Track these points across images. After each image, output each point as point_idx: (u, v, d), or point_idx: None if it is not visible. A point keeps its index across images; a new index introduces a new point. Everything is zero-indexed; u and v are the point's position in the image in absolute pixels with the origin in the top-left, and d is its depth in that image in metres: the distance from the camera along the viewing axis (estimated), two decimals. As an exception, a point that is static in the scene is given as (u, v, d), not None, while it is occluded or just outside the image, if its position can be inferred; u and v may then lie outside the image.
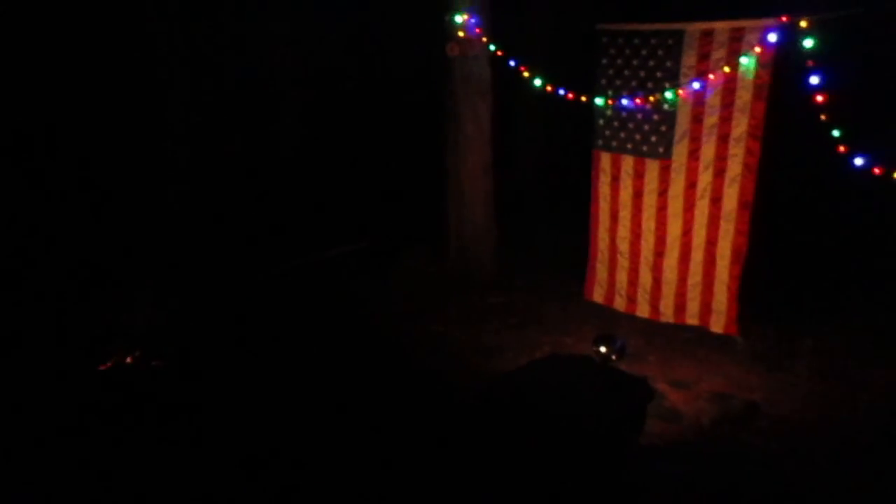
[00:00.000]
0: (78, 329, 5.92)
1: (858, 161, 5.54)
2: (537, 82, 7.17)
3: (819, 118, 5.58)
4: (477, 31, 7.46)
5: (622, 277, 6.92)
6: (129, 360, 5.40)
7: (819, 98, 5.54)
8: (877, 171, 5.51)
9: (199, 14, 9.50)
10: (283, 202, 9.53)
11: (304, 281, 7.41)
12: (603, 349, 4.46)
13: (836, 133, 5.59)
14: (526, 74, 7.35)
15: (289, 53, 10.44)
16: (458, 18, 7.41)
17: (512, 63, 7.40)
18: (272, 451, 4.55)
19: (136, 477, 4.23)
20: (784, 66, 5.75)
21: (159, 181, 9.09)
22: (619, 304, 6.99)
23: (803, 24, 5.49)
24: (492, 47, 7.55)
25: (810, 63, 5.52)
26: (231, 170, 9.72)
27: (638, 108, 6.47)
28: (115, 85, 8.78)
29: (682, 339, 6.58)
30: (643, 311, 6.80)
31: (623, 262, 6.88)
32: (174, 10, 9.20)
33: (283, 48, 10.39)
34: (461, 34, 7.44)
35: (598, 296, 7.18)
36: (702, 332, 6.46)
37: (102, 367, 5.33)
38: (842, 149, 5.59)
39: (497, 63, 7.65)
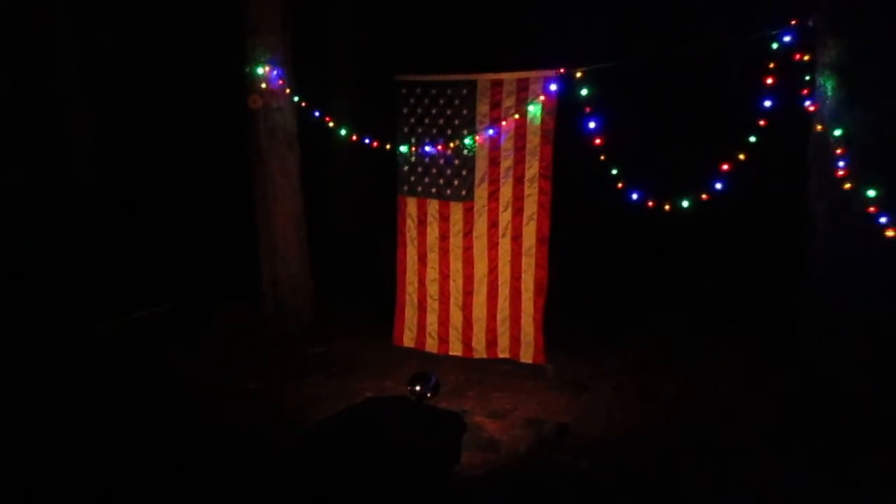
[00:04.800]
0: None
1: (634, 196, 6.19)
2: (342, 132, 7.29)
3: (599, 159, 6.18)
4: (280, 82, 7.46)
5: (433, 319, 7.08)
6: None
7: (597, 140, 6.13)
8: (650, 203, 6.17)
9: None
10: (82, 261, 8.80)
11: (104, 349, 6.85)
12: (418, 388, 4.52)
13: (613, 171, 6.21)
14: (331, 124, 7.45)
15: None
16: (260, 70, 7.38)
17: (316, 113, 7.47)
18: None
19: None
20: (569, 113, 6.31)
21: None
22: (431, 345, 7.11)
23: (578, 74, 6.09)
24: (296, 98, 7.58)
25: (588, 109, 6.12)
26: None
27: (439, 154, 6.77)
28: None
29: (498, 372, 6.84)
30: (455, 349, 6.98)
31: (433, 303, 7.05)
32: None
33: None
34: (264, 86, 7.41)
35: (408, 340, 7.25)
36: (516, 364, 6.78)
37: None
38: (619, 185, 6.22)
39: (303, 113, 7.69)
